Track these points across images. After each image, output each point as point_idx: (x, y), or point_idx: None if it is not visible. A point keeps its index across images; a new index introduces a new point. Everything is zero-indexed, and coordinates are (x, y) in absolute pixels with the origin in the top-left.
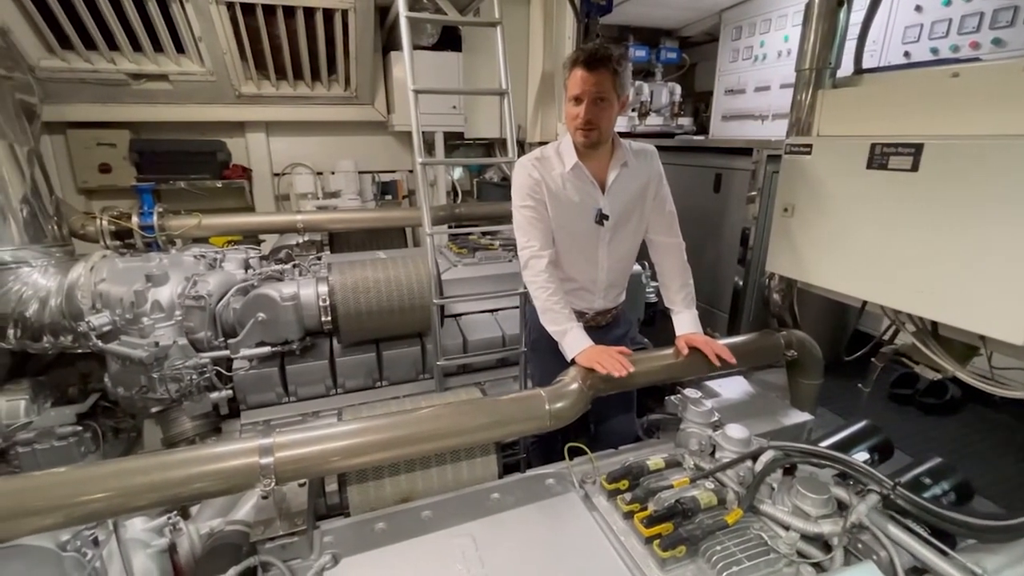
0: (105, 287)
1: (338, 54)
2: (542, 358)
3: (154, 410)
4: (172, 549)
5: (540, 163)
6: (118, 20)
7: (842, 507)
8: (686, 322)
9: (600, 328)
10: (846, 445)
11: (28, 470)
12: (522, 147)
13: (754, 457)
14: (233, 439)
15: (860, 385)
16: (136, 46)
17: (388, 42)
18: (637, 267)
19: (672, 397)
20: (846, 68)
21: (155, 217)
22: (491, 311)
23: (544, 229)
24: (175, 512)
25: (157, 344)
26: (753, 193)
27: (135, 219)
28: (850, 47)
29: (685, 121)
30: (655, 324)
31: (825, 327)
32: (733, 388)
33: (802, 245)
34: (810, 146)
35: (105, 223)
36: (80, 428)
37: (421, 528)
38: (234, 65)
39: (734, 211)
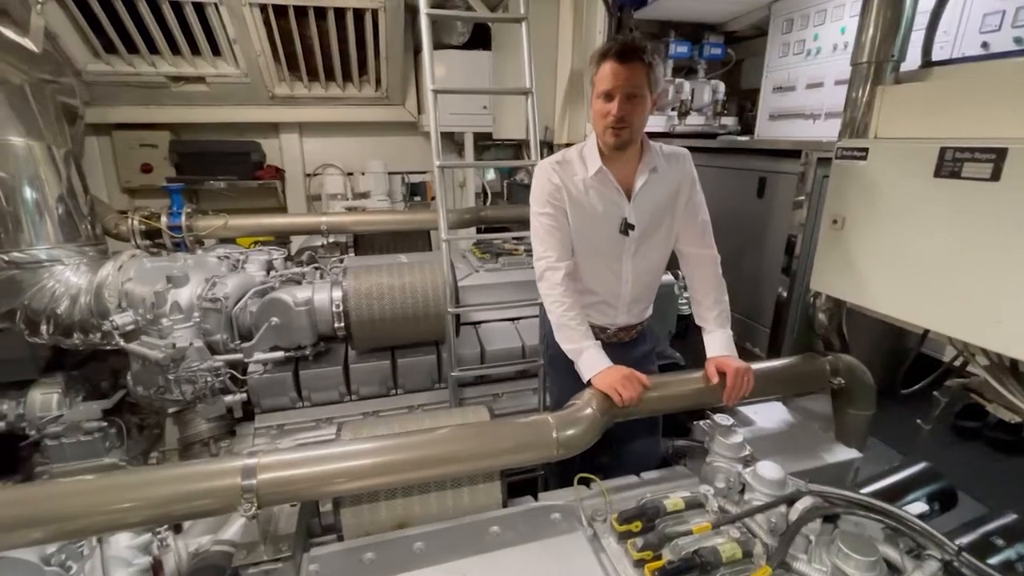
0: (131, 286)
1: (369, 54)
2: (559, 376)
3: (171, 411)
4: (158, 567)
5: (561, 167)
6: (157, 24)
7: (893, 571)
8: (718, 343)
9: (623, 345)
10: (900, 491)
11: (56, 462)
12: (550, 148)
13: (789, 502)
14: (218, 458)
15: (919, 421)
16: (175, 49)
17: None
18: (669, 277)
19: (701, 423)
20: (911, 62)
21: (183, 217)
22: (512, 320)
23: (562, 238)
24: (164, 528)
25: (174, 345)
26: (801, 198)
27: (164, 219)
28: (915, 39)
29: (729, 121)
30: (688, 337)
31: (879, 351)
32: (769, 416)
33: (853, 262)
34: (866, 150)
35: (136, 223)
36: (105, 424)
37: (412, 561)
38: (267, 67)
39: (779, 217)
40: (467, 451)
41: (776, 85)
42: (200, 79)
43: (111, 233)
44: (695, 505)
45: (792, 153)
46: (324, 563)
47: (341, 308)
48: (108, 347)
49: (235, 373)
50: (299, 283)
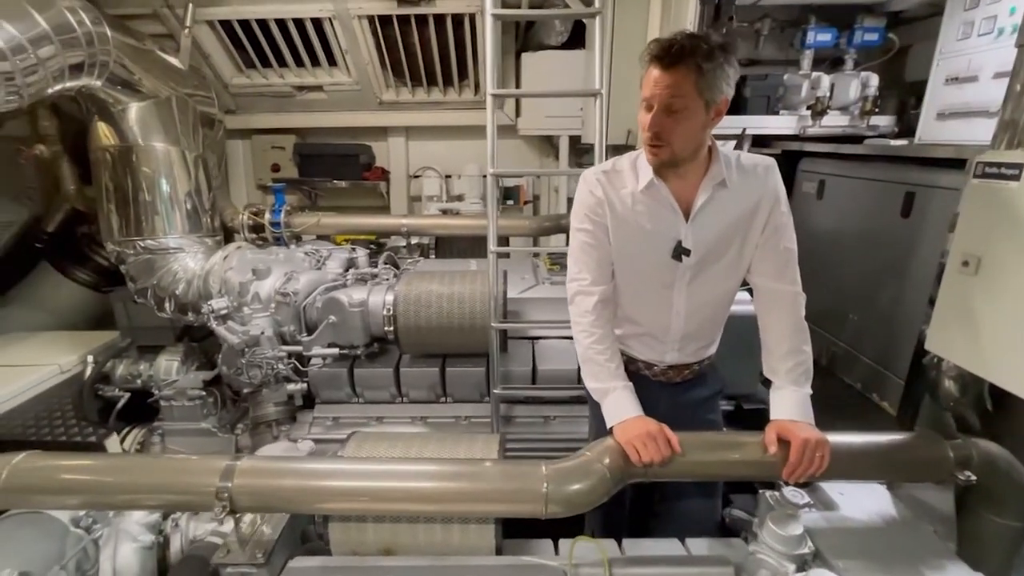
0: (230, 275)
1: (468, 59)
2: (596, 410)
3: (245, 391)
4: (166, 546)
5: (607, 177)
6: (285, 41)
7: None
8: (788, 404)
9: (674, 385)
10: None
11: (167, 421)
12: None
13: None
14: (205, 456)
15: None
16: (299, 61)
17: (525, 44)
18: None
19: (768, 493)
20: None
21: (283, 214)
22: (571, 338)
23: (600, 259)
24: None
25: (248, 332)
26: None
27: (267, 215)
28: None
29: (883, 120)
30: None
31: None
32: (863, 502)
33: (987, 321)
34: (1021, 166)
35: (244, 218)
36: (204, 393)
37: None
38: (375, 74)
39: (928, 243)
40: (450, 492)
41: (950, 75)
42: (319, 88)
43: (227, 227)
44: None
45: (953, 162)
46: None
47: (391, 312)
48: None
49: (297, 364)
50: (368, 282)
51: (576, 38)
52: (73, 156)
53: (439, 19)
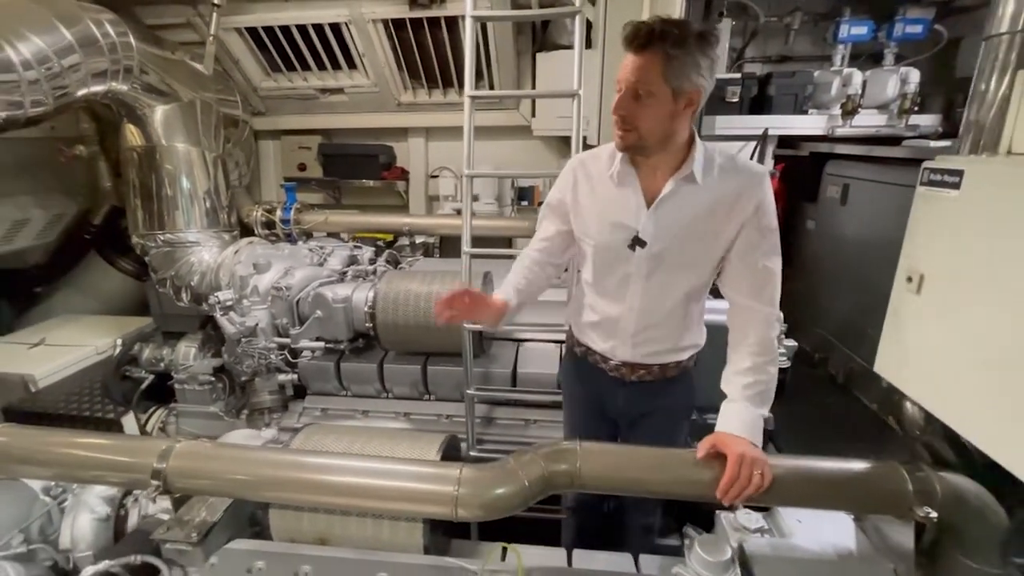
0: (238, 268)
1: (481, 61)
2: (569, 408)
3: (242, 379)
4: (125, 519)
5: (589, 159)
6: (307, 46)
7: None
8: (734, 418)
9: (630, 384)
10: None
11: (181, 403)
12: None
13: None
14: (147, 437)
15: None
16: (321, 65)
17: (544, 43)
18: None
19: (723, 514)
20: None
21: (292, 212)
22: (559, 343)
23: (554, 231)
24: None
25: (245, 324)
26: None
27: (278, 213)
28: None
29: (925, 120)
30: (783, 395)
31: None
32: (821, 531)
33: (929, 344)
34: (961, 173)
35: (258, 214)
36: (214, 379)
37: None
38: (392, 76)
39: None
40: (370, 489)
41: None
42: (340, 90)
43: (243, 223)
44: None
45: None
46: (224, 559)
47: (371, 309)
48: None
49: (288, 356)
50: (365, 279)
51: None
52: (109, 156)
53: (451, 21)
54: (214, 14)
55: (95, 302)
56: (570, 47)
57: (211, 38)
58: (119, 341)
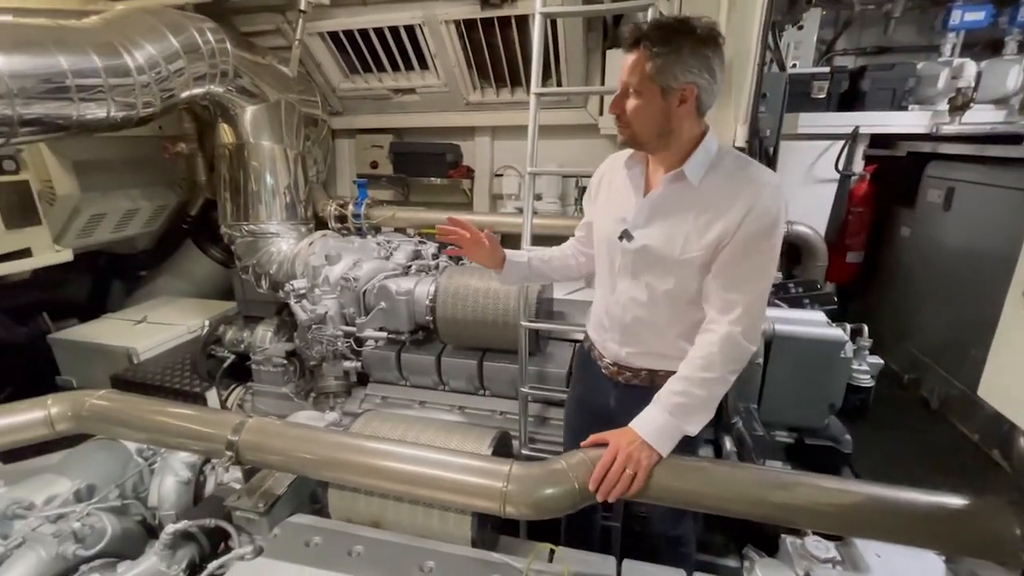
0: (312, 259)
1: (550, 59)
2: (568, 400)
3: (311, 363)
4: (204, 484)
5: (617, 157)
6: (382, 47)
7: None
8: (643, 417)
9: (621, 386)
10: None
11: (257, 383)
12: None
13: None
14: (226, 411)
15: None
16: (395, 66)
17: (615, 39)
18: (836, 332)
19: (788, 539)
20: None
21: (363, 207)
22: None
23: (585, 219)
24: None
25: (316, 311)
26: None
27: (350, 207)
28: None
29: None
30: (866, 416)
31: None
32: (904, 569)
33: None
34: None
35: (332, 209)
36: (286, 362)
37: (344, 565)
38: (462, 76)
39: None
40: (421, 477)
41: None
42: (412, 90)
43: (319, 216)
44: None
45: None
46: (285, 531)
47: (432, 302)
48: None
49: (353, 344)
50: (428, 274)
51: None
52: (205, 152)
53: (521, 20)
54: (300, 20)
55: (189, 286)
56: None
57: (296, 42)
58: (207, 322)
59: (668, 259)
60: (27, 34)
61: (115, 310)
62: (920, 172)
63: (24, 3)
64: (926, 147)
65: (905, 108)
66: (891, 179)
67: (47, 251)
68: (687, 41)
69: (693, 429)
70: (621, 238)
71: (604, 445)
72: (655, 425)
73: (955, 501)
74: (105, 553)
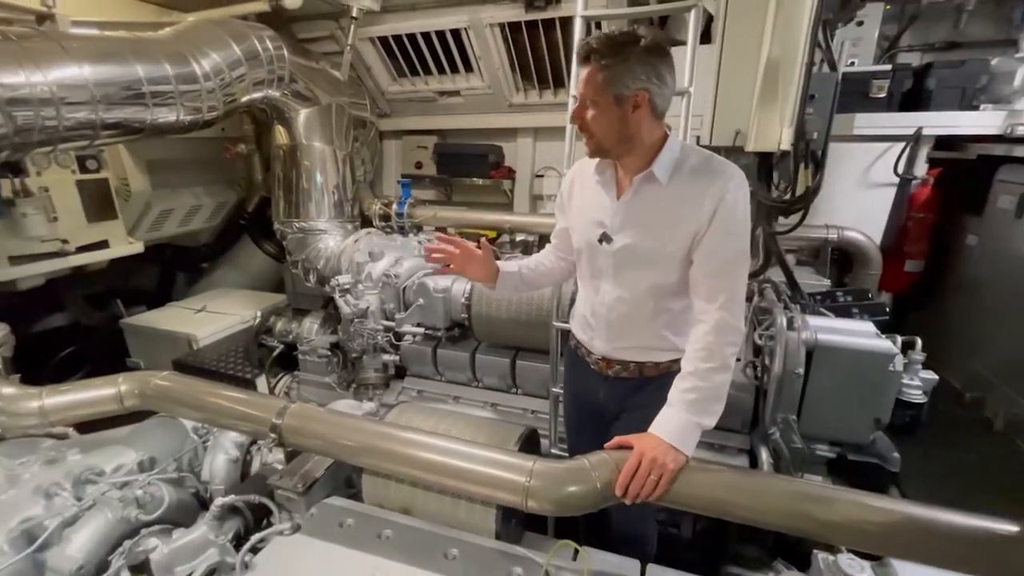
0: (357, 256)
1: None
2: (564, 399)
3: (353, 355)
4: (250, 463)
5: (584, 164)
6: (428, 51)
7: None
8: (664, 420)
9: (611, 380)
10: None
11: (303, 372)
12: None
13: None
14: (272, 396)
15: None
16: (440, 69)
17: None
18: (885, 344)
19: (820, 555)
20: None
21: (407, 207)
22: None
23: (559, 224)
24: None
25: (358, 306)
26: None
27: (394, 207)
28: None
29: None
30: (917, 435)
31: None
32: None
33: None
34: None
35: (377, 208)
36: (330, 354)
37: (374, 547)
38: (505, 78)
39: None
40: (448, 468)
41: None
42: (456, 92)
43: (365, 215)
44: None
45: None
46: (321, 511)
47: (468, 300)
48: None
49: (392, 338)
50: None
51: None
52: (262, 153)
53: (565, 22)
54: (352, 26)
55: (244, 278)
56: (682, 43)
57: (348, 48)
58: (259, 313)
59: (648, 256)
60: (109, 46)
61: (179, 299)
62: (990, 176)
63: (106, 16)
64: (999, 149)
65: (976, 107)
66: (957, 184)
67: (122, 243)
68: (634, 51)
69: (710, 422)
70: (601, 241)
71: (628, 448)
72: (673, 424)
73: (1005, 527)
74: (162, 520)
